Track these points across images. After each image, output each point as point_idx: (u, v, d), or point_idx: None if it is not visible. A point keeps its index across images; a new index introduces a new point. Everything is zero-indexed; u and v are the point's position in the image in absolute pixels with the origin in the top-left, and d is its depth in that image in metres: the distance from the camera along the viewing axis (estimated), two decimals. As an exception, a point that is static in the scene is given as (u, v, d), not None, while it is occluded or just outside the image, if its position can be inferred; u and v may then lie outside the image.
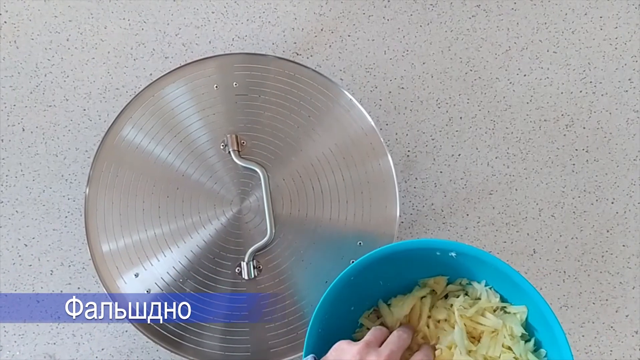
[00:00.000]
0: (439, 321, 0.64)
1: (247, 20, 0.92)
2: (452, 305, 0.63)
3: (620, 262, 0.86)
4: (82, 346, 0.82)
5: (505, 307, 0.62)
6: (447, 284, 0.65)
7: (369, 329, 0.64)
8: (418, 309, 0.65)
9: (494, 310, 0.62)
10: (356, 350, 0.56)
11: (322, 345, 0.61)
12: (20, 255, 0.84)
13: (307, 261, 0.73)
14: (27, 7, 0.92)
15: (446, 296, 0.66)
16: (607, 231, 0.87)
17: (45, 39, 0.91)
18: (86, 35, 0.91)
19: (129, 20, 0.92)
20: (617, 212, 0.87)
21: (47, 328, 0.82)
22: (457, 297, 0.64)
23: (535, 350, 0.60)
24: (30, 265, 0.84)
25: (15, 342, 0.82)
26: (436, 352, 0.61)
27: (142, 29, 0.91)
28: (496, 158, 0.89)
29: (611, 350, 0.84)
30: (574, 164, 0.89)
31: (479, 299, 0.63)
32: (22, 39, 0.91)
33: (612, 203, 0.88)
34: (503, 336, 0.60)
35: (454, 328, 0.61)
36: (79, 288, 0.83)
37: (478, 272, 0.62)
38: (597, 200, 0.88)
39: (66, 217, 0.85)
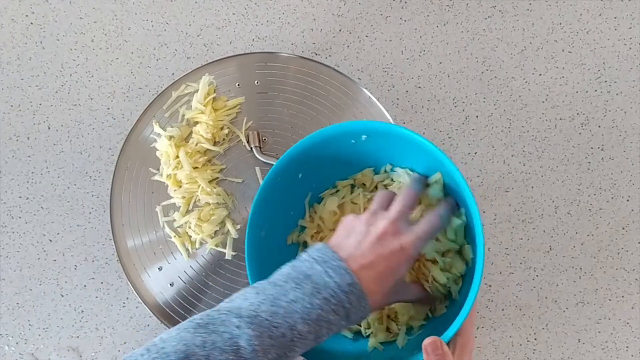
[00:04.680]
0: None
1: (267, 21, 0.94)
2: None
3: (636, 259, 0.86)
4: (105, 340, 0.84)
5: (427, 181, 0.64)
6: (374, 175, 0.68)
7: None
8: (350, 202, 0.68)
9: None
10: (364, 220, 0.56)
11: (266, 248, 0.63)
12: (45, 251, 0.86)
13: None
14: (52, 8, 0.94)
15: (376, 187, 0.69)
16: (623, 228, 0.87)
17: (71, 40, 0.93)
18: (110, 36, 0.93)
19: (151, 21, 0.94)
20: (632, 210, 0.88)
21: (71, 322, 0.84)
22: (385, 187, 0.68)
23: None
24: (55, 260, 0.86)
25: (39, 335, 0.84)
26: None
27: (165, 30, 0.94)
28: (512, 156, 0.90)
29: (627, 347, 0.84)
30: (589, 162, 0.90)
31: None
32: (48, 40, 0.93)
33: (628, 200, 0.88)
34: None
35: None
36: (102, 282, 0.85)
37: (394, 151, 0.65)
38: (612, 197, 0.89)
39: (90, 213, 0.87)
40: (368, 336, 0.63)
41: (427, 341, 0.53)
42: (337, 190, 0.69)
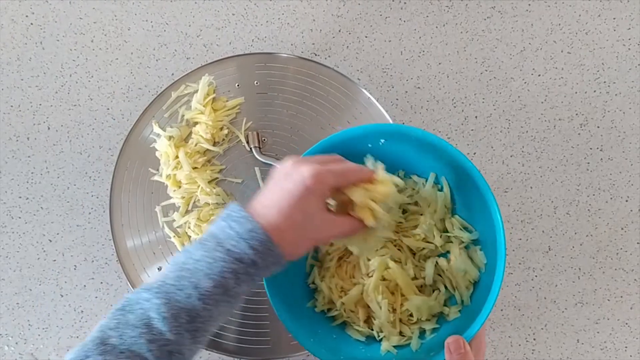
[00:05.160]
0: None
1: (267, 21, 0.94)
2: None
3: (635, 259, 0.87)
4: (104, 339, 0.84)
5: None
6: None
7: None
8: None
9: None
10: (292, 160, 0.54)
11: None
12: (44, 251, 0.86)
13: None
14: (52, 9, 0.94)
15: None
16: (622, 229, 0.88)
17: (71, 40, 0.93)
18: (110, 36, 0.93)
19: (151, 22, 0.94)
20: (631, 210, 0.88)
21: (71, 322, 0.84)
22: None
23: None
24: (55, 260, 0.86)
25: (39, 335, 0.84)
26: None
27: (165, 31, 0.94)
28: (511, 156, 0.90)
29: (626, 347, 0.84)
30: (588, 163, 0.90)
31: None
32: (48, 40, 0.93)
33: (627, 201, 0.89)
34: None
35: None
36: (101, 282, 0.85)
37: (410, 159, 0.64)
38: (611, 198, 0.89)
39: (90, 213, 0.87)
40: (381, 340, 0.63)
41: (450, 339, 0.53)
42: None
